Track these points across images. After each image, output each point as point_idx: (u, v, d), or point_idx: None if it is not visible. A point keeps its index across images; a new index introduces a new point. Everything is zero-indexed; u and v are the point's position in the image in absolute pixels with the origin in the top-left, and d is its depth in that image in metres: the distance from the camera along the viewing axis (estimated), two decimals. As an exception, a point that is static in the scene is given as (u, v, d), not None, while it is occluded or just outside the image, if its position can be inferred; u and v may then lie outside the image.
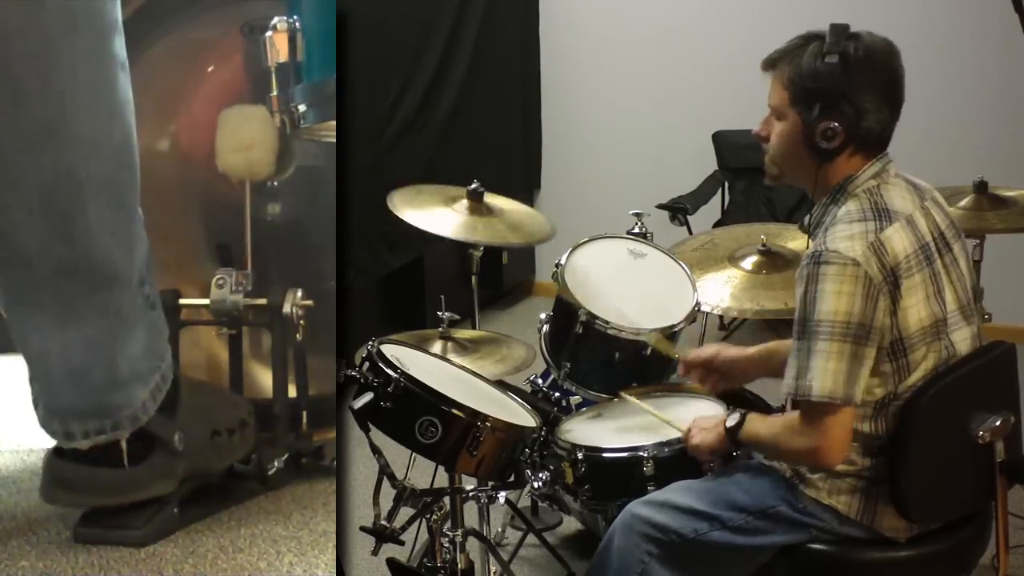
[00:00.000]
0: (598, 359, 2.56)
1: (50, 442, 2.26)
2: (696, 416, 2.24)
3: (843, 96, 1.93)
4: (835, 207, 2.00)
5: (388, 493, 2.17)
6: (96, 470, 2.23)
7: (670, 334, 2.56)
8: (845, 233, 1.92)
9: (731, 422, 2.09)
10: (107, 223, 2.15)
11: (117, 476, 2.25)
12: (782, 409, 2.42)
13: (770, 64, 2.03)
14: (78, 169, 2.09)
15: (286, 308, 2.61)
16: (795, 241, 2.83)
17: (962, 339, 2.01)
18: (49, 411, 2.21)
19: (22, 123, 2.04)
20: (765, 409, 2.50)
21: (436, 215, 2.87)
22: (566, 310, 2.56)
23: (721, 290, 2.73)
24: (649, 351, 2.53)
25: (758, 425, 2.08)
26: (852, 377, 1.89)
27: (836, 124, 1.94)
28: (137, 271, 2.22)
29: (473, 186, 2.91)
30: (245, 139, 2.60)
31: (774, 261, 2.76)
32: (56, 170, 2.07)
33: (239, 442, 2.50)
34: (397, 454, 2.15)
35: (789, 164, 2.05)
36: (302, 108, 2.56)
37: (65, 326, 2.15)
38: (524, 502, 3.12)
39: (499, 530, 3.10)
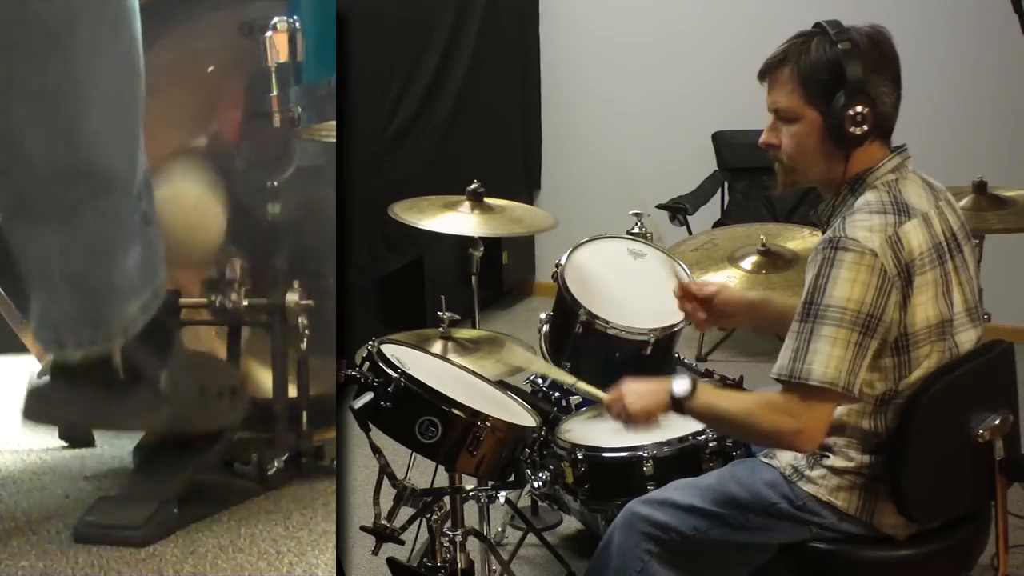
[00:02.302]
0: (598, 359, 2.56)
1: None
2: (624, 382, 2.11)
3: (865, 82, 1.93)
4: (853, 197, 1.98)
5: (388, 493, 2.18)
6: (80, 389, 2.22)
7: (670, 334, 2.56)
8: (864, 223, 1.91)
9: (680, 389, 2.00)
10: (110, 129, 2.14)
11: (100, 398, 2.23)
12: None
13: (770, 69, 2.02)
14: (82, 73, 2.08)
15: (286, 307, 2.61)
16: (795, 241, 2.83)
17: (967, 341, 2.01)
18: (44, 319, 2.20)
19: (26, 26, 2.03)
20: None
21: (437, 217, 2.88)
22: (566, 310, 2.57)
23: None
24: (649, 350, 2.53)
25: (718, 397, 2.02)
26: (854, 367, 1.88)
27: (864, 109, 1.93)
28: (137, 182, 2.21)
29: (473, 186, 2.91)
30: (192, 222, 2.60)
31: (774, 261, 2.76)
32: (60, 74, 2.06)
33: (227, 408, 2.48)
34: (397, 454, 2.16)
35: (812, 163, 2.01)
36: (302, 108, 2.56)
37: (66, 231, 2.15)
38: (524, 502, 3.13)
39: (499, 530, 3.10)
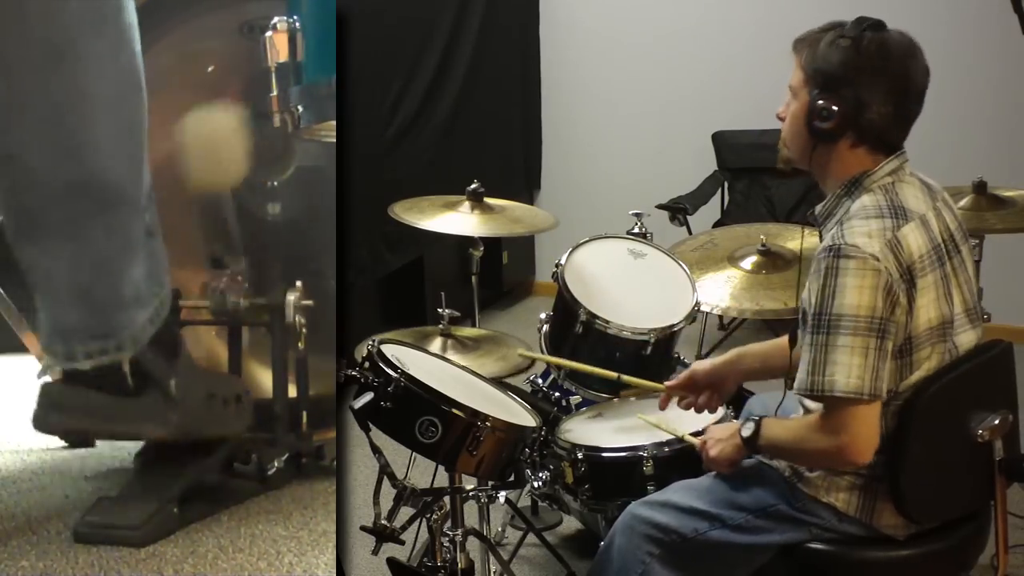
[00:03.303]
0: (598, 359, 2.56)
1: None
2: (709, 427, 2.20)
3: (846, 82, 1.93)
4: (849, 200, 1.98)
5: (388, 493, 2.18)
6: (90, 393, 2.23)
7: (670, 334, 2.56)
8: (863, 229, 1.91)
9: (747, 431, 2.05)
10: (114, 143, 2.16)
11: (110, 403, 2.25)
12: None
13: (795, 45, 2.04)
14: (86, 90, 2.10)
15: (286, 308, 2.61)
16: (795, 241, 2.83)
17: (967, 342, 2.01)
18: (53, 331, 2.21)
19: (28, 44, 2.05)
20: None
21: (437, 217, 2.88)
22: (566, 310, 2.57)
23: (721, 290, 2.73)
24: (649, 350, 2.53)
25: (776, 430, 2.04)
26: (877, 372, 1.87)
27: (833, 106, 1.94)
28: (142, 196, 2.23)
29: (473, 186, 2.91)
30: (211, 144, 2.61)
31: (774, 261, 2.76)
32: (63, 90, 2.08)
33: (233, 415, 2.49)
34: (397, 454, 2.16)
35: (794, 145, 2.05)
36: (302, 108, 2.56)
37: (72, 244, 2.16)
38: (524, 502, 3.13)
39: (499, 530, 3.10)
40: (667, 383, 2.39)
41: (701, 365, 2.36)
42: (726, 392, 2.36)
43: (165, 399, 2.32)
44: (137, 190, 2.22)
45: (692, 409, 2.35)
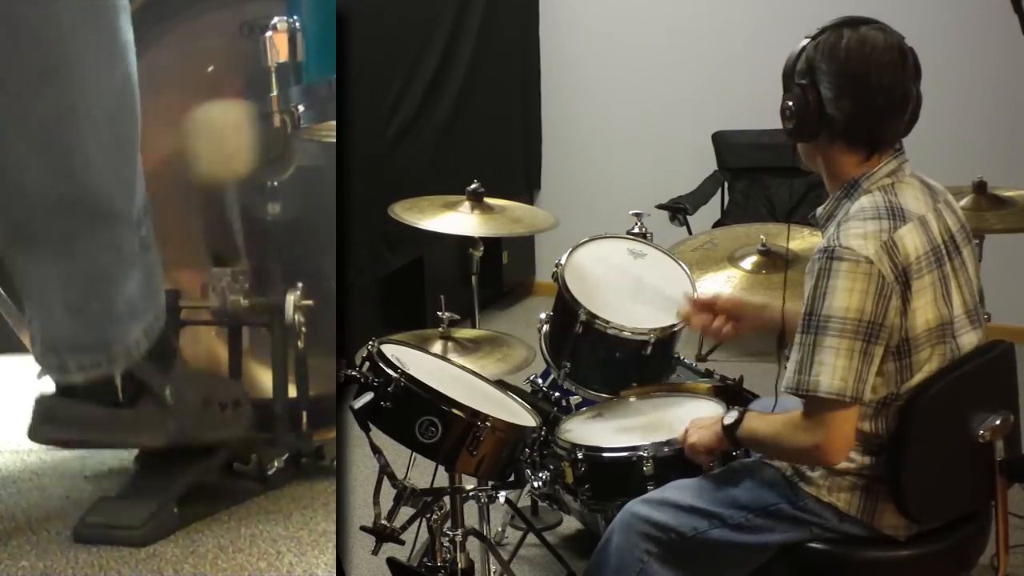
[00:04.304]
0: (598, 359, 2.56)
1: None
2: (692, 417, 2.22)
3: (803, 80, 1.95)
4: (848, 202, 1.99)
5: (388, 493, 2.18)
6: (85, 406, 2.24)
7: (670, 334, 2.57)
8: (858, 230, 1.91)
9: (729, 420, 2.08)
10: (107, 160, 2.17)
11: (105, 415, 2.26)
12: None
13: None
14: (79, 106, 2.11)
15: (286, 308, 2.61)
16: (795, 241, 2.83)
17: (969, 343, 2.01)
18: (46, 345, 2.23)
19: (24, 60, 2.06)
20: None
21: (437, 217, 2.88)
22: (566, 310, 2.56)
23: (721, 290, 2.73)
24: (649, 350, 2.53)
25: (757, 423, 2.06)
26: (861, 375, 1.88)
27: (791, 104, 1.96)
28: (136, 211, 2.24)
29: (473, 186, 2.91)
30: (217, 137, 2.61)
31: (774, 261, 2.76)
32: (57, 106, 2.10)
33: (232, 418, 2.49)
34: (397, 454, 2.16)
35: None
36: (302, 108, 2.56)
37: (65, 260, 2.17)
38: (524, 502, 3.13)
39: (499, 530, 3.10)
40: (689, 298, 2.45)
41: (728, 294, 2.41)
42: (741, 328, 2.37)
43: (161, 407, 2.33)
44: (129, 205, 2.22)
45: (703, 331, 2.41)
